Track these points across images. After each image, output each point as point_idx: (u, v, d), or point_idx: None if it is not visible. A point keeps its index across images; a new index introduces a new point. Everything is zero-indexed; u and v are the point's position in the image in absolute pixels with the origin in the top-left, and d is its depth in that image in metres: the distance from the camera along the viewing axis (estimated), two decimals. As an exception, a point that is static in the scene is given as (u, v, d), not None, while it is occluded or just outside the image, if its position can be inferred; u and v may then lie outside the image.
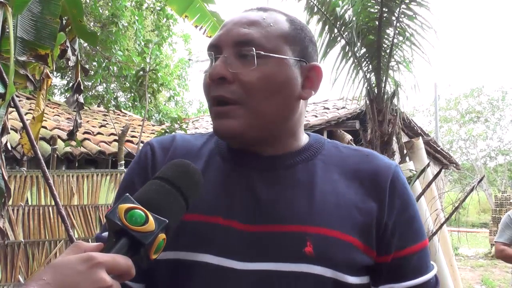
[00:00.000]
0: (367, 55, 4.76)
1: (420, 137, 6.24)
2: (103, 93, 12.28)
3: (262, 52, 0.94)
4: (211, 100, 0.98)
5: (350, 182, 0.99)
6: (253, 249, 0.92)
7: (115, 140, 6.45)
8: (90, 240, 4.49)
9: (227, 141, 1.02)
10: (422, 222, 1.03)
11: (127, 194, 0.79)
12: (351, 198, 0.97)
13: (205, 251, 0.94)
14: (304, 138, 1.07)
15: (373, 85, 4.75)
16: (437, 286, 1.01)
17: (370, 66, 4.76)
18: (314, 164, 1.02)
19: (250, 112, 0.94)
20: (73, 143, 5.39)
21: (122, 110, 11.79)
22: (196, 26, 4.48)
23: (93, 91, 12.25)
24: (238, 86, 0.94)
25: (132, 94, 12.29)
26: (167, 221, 0.77)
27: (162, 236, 0.76)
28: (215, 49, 0.98)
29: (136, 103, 12.40)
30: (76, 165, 5.73)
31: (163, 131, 5.76)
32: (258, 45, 0.94)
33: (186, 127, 5.97)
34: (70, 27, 3.31)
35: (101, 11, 11.24)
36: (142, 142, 6.30)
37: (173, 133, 5.71)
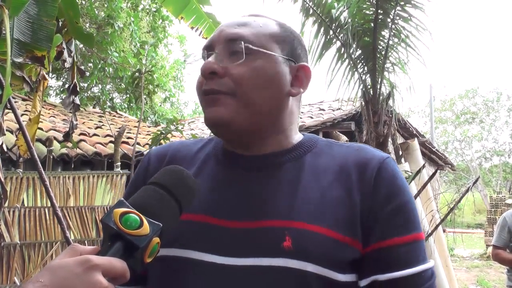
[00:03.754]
0: (362, 56, 4.78)
1: (416, 138, 6.27)
2: (99, 94, 12.27)
3: (251, 46, 0.99)
4: (202, 94, 1.01)
5: (338, 177, 1.00)
6: (235, 245, 0.94)
7: (111, 142, 6.44)
8: (86, 241, 4.49)
9: (216, 130, 1.03)
10: (417, 216, 1.00)
11: (122, 199, 0.81)
12: (337, 193, 0.97)
13: (188, 247, 0.97)
14: (296, 137, 1.10)
15: (369, 86, 4.77)
16: (430, 281, 0.96)
17: (366, 68, 4.78)
18: (303, 162, 1.04)
19: (239, 101, 0.98)
20: (69, 144, 5.38)
21: (118, 111, 11.76)
22: (192, 28, 4.48)
23: (89, 92, 12.24)
24: (228, 79, 0.98)
25: (128, 95, 12.29)
26: (161, 225, 0.78)
27: (157, 240, 0.78)
28: (208, 48, 1.04)
29: (131, 104, 12.39)
30: (72, 166, 5.71)
31: (158, 132, 5.75)
32: (247, 41, 0.99)
33: (182, 128, 5.96)
34: (66, 29, 3.31)
35: (96, 12, 11.22)
36: (138, 143, 6.29)
37: (169, 134, 5.72)
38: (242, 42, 0.98)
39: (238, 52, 0.99)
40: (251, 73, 0.98)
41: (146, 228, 0.76)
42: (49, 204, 4.26)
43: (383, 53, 4.60)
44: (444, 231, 5.80)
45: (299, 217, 0.94)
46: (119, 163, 5.41)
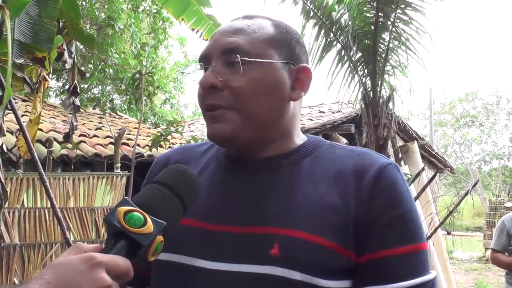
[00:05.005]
0: (362, 59, 4.78)
1: (415, 141, 6.27)
2: (99, 95, 12.27)
3: (247, 58, 0.97)
4: (204, 109, 1.01)
5: (335, 182, 0.97)
6: (225, 250, 0.94)
7: (111, 143, 6.44)
8: (86, 242, 4.48)
9: (220, 145, 1.05)
10: (418, 225, 0.95)
11: (126, 197, 0.81)
12: (331, 200, 0.94)
13: (180, 252, 0.97)
14: (299, 140, 1.08)
15: (369, 89, 4.78)
16: None
17: (366, 70, 4.79)
18: (301, 166, 1.02)
19: (241, 115, 0.97)
20: (69, 145, 5.38)
21: (118, 112, 11.75)
22: (192, 29, 4.47)
23: (89, 93, 12.23)
24: (228, 92, 0.97)
25: (128, 97, 12.29)
26: (165, 223, 0.78)
27: (160, 238, 0.78)
28: (205, 60, 1.02)
29: (132, 105, 12.39)
30: (72, 167, 5.71)
31: (158, 133, 5.75)
32: (243, 52, 0.97)
33: (182, 130, 5.96)
34: (67, 30, 3.31)
35: (97, 13, 11.22)
36: (138, 145, 6.29)
37: (169, 136, 5.71)
38: (238, 56, 0.97)
39: (235, 63, 0.97)
40: (250, 85, 0.97)
41: (150, 226, 0.76)
42: (49, 205, 4.26)
43: (383, 56, 4.61)
44: (449, 233, 5.80)
45: (289, 223, 0.93)
46: (119, 165, 5.41)
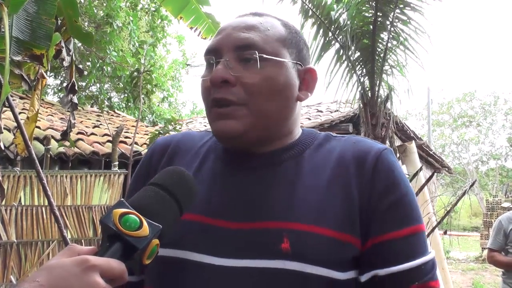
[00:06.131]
0: (361, 59, 4.78)
1: (413, 141, 6.27)
2: (97, 93, 12.24)
3: (265, 55, 0.96)
4: (212, 102, 0.99)
5: (336, 172, 0.98)
6: (233, 246, 0.93)
7: (108, 141, 6.44)
8: (83, 240, 4.49)
9: (226, 142, 1.02)
10: (416, 207, 0.98)
11: (122, 199, 0.81)
12: (335, 190, 0.95)
13: (185, 248, 0.96)
14: (296, 134, 1.08)
15: (367, 88, 4.78)
16: (430, 274, 0.94)
17: (364, 70, 4.78)
18: (302, 159, 1.02)
19: (252, 112, 0.96)
20: (67, 143, 5.37)
21: (116, 110, 11.74)
22: (191, 28, 4.48)
23: (87, 91, 12.20)
24: (241, 88, 0.96)
25: (126, 95, 12.26)
26: (161, 226, 0.77)
27: (156, 241, 0.77)
28: (215, 53, 1.00)
29: (129, 103, 12.36)
30: (70, 165, 5.71)
31: (156, 132, 5.75)
32: (259, 49, 0.97)
33: (180, 128, 5.96)
34: (65, 27, 3.30)
35: (95, 11, 11.19)
36: (136, 143, 6.29)
37: (167, 134, 5.71)
38: (257, 52, 0.96)
39: (250, 59, 0.96)
40: (264, 82, 0.96)
41: (145, 229, 0.75)
42: (46, 203, 4.26)
43: (381, 55, 4.61)
44: (445, 232, 5.82)
45: (297, 217, 0.93)
46: (116, 163, 5.41)
